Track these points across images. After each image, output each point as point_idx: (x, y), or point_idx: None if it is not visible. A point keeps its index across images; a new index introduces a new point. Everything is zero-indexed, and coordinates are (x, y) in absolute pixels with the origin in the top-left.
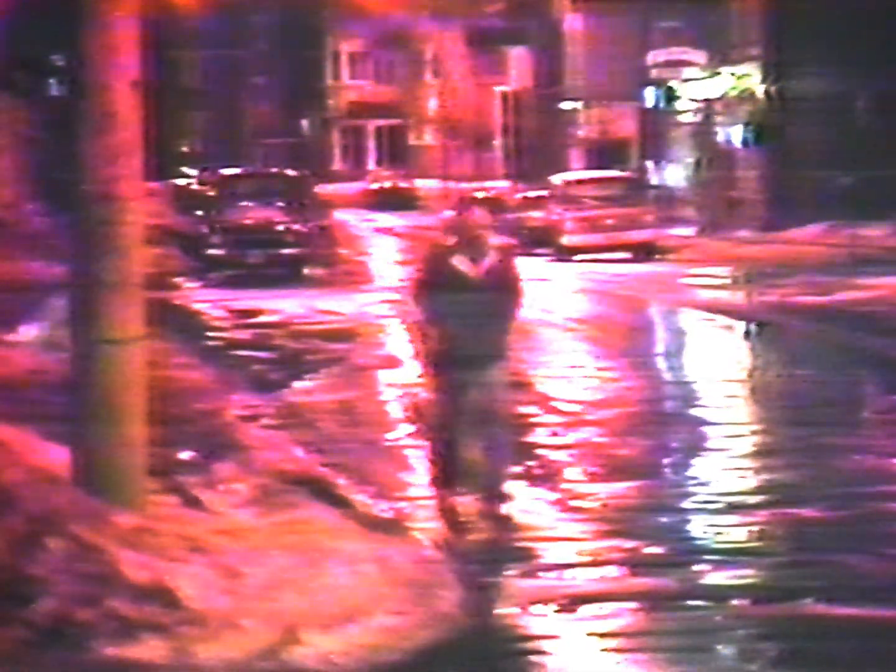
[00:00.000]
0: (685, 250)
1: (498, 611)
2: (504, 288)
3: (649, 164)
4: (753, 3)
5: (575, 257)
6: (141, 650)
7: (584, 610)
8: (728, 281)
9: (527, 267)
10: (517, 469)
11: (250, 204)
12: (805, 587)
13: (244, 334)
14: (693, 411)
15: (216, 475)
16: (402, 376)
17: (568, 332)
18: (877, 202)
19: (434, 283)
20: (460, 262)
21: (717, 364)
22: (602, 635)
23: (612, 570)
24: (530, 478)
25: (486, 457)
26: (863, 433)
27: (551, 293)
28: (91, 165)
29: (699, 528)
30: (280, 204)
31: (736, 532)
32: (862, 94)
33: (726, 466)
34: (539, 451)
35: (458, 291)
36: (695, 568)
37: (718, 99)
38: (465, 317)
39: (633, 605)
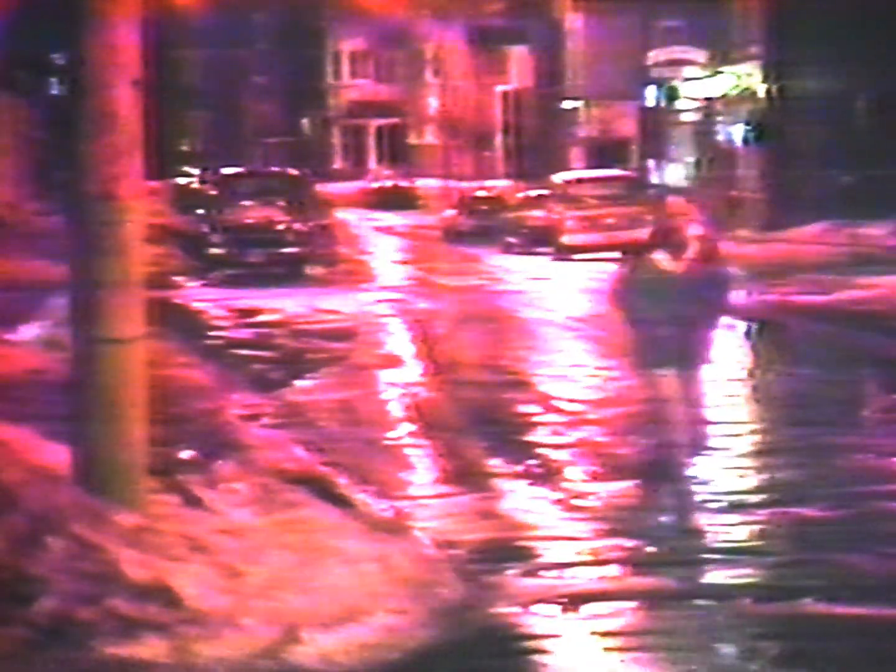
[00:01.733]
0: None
1: (498, 610)
2: (708, 283)
3: (650, 163)
4: (754, 2)
5: (575, 256)
6: (141, 649)
7: (586, 609)
8: None
9: (527, 266)
10: (518, 468)
11: (251, 203)
12: (806, 586)
13: (245, 333)
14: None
15: (217, 474)
16: (402, 375)
17: (569, 331)
18: (877, 201)
19: (634, 282)
20: (660, 258)
21: (717, 363)
22: (603, 634)
23: (613, 569)
24: (531, 477)
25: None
26: (863, 432)
27: (552, 292)
28: (91, 165)
29: (700, 527)
30: (280, 203)
31: (737, 531)
32: (862, 94)
33: (727, 465)
34: (540, 451)
35: (659, 289)
36: (696, 567)
37: (719, 98)
38: (668, 316)
39: (634, 604)
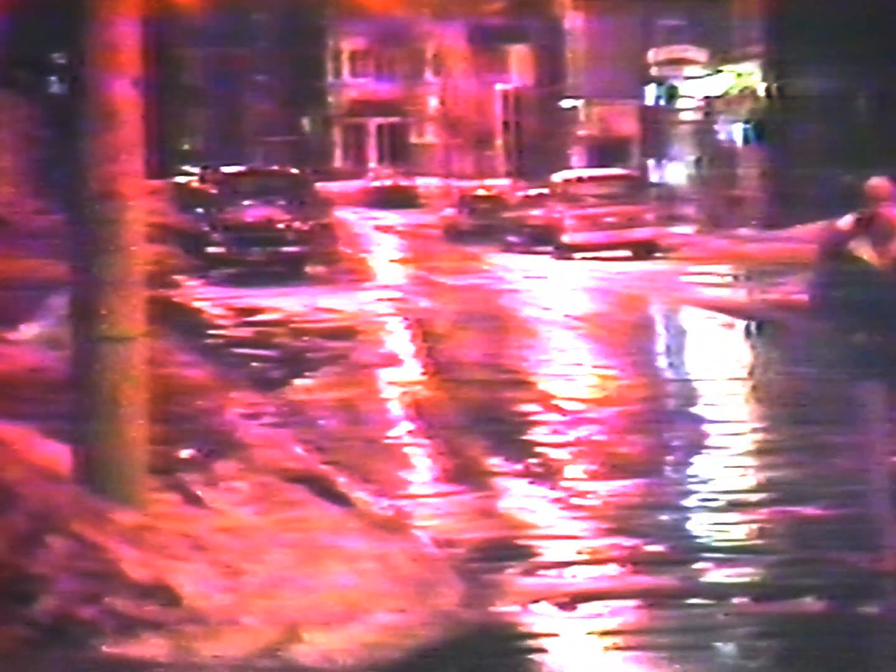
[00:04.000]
0: (686, 248)
1: (498, 609)
2: None
3: (650, 162)
4: (755, 1)
5: (576, 255)
6: (142, 648)
7: (585, 608)
8: (729, 279)
9: (528, 265)
10: (518, 467)
11: (251, 202)
12: (806, 585)
13: (245, 332)
14: (694, 409)
15: (217, 473)
16: (402, 374)
17: (569, 329)
18: None
19: (830, 277)
20: (861, 249)
21: (717, 362)
22: (603, 633)
23: (612, 568)
24: (531, 475)
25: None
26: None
27: (552, 291)
28: (92, 163)
29: (700, 526)
30: (281, 202)
31: (737, 530)
32: (863, 92)
33: (727, 464)
34: (540, 449)
35: (861, 285)
36: (695, 566)
37: (720, 97)
38: (872, 317)
39: (633, 603)
